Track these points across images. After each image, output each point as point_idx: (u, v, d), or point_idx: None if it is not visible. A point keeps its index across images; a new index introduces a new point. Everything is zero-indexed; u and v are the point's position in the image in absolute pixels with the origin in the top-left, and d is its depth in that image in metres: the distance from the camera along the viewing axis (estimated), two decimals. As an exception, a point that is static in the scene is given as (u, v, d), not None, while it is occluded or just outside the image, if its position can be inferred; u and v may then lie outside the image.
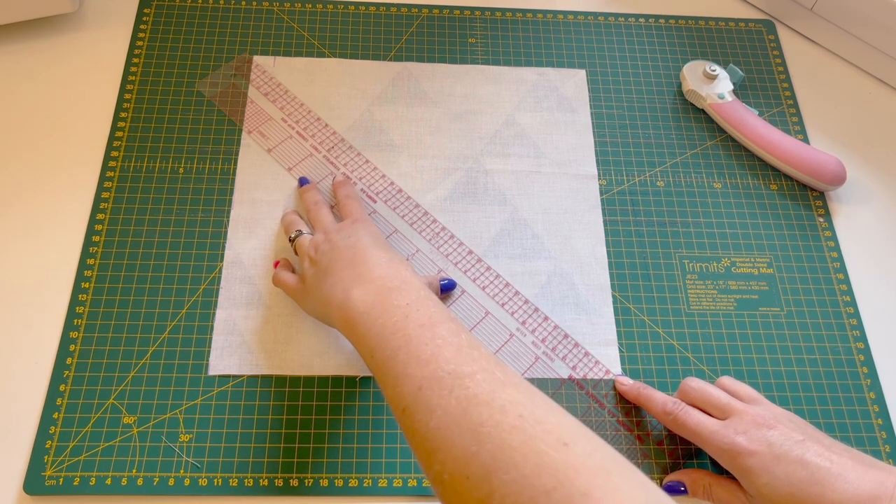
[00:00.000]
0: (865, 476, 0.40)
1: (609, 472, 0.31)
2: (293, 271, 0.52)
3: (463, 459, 0.33)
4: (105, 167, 0.58)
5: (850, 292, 0.56)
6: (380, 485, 0.47)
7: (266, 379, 0.50)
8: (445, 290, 0.53)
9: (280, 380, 0.50)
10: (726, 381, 0.48)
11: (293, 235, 0.52)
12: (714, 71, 0.63)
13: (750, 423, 0.44)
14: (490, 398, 0.34)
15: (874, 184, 0.62)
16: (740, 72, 0.64)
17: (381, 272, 0.43)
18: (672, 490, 0.47)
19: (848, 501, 0.40)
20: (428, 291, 0.42)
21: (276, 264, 0.53)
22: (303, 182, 0.57)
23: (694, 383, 0.47)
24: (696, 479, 0.47)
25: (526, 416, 0.33)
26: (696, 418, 0.45)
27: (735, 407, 0.45)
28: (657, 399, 0.48)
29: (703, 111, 0.64)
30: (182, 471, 0.47)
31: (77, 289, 0.53)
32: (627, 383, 0.51)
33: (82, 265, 0.53)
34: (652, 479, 0.48)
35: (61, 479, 0.46)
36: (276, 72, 0.63)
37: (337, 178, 0.57)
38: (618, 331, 0.54)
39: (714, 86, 0.63)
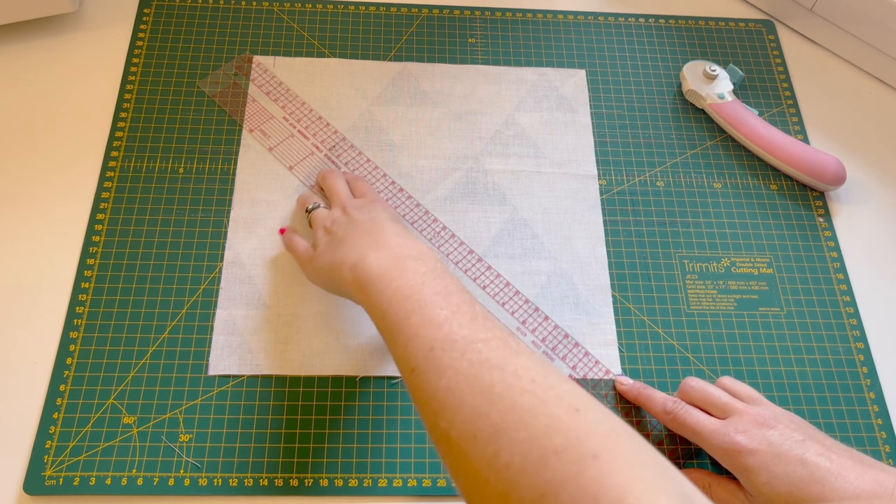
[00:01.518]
0: (865, 476, 0.40)
1: (620, 436, 0.31)
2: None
3: (471, 419, 0.33)
4: (105, 167, 0.58)
5: (850, 292, 0.56)
6: (380, 485, 0.47)
7: (266, 379, 0.50)
8: None
9: (280, 380, 0.50)
10: (727, 380, 0.48)
11: (311, 206, 0.52)
12: (714, 71, 0.63)
13: (750, 422, 0.44)
14: (503, 363, 0.34)
15: (874, 184, 0.62)
16: (740, 72, 0.64)
17: (399, 241, 0.43)
18: None
19: (847, 500, 0.40)
20: (444, 265, 0.42)
21: (281, 231, 0.53)
22: None
23: (694, 383, 0.48)
24: (696, 479, 0.47)
25: (539, 382, 0.33)
26: (695, 417, 0.46)
27: (735, 406, 0.45)
28: (657, 399, 0.48)
29: (703, 111, 0.64)
30: (182, 471, 0.47)
31: (77, 289, 0.53)
32: (627, 383, 0.51)
33: (82, 265, 0.53)
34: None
35: (61, 479, 0.46)
36: (276, 72, 0.63)
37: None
38: (618, 331, 0.54)
39: (714, 86, 0.63)
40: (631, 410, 0.51)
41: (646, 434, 0.50)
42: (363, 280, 0.41)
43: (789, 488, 0.41)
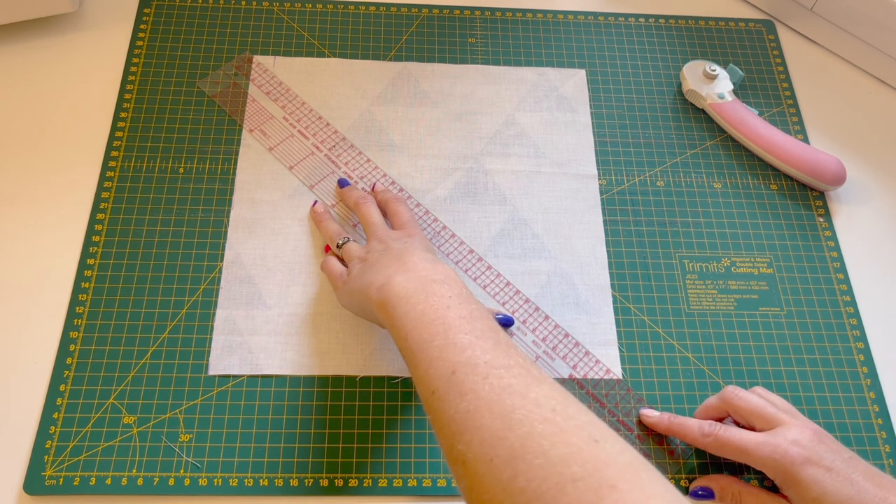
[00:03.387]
0: None
1: (638, 469, 0.31)
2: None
3: (489, 442, 0.33)
4: (105, 167, 0.58)
5: (850, 292, 0.56)
6: (380, 485, 0.47)
7: (266, 379, 0.50)
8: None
9: (280, 380, 0.50)
10: (761, 391, 0.48)
11: (341, 242, 0.52)
12: (714, 71, 0.63)
13: (800, 434, 0.43)
14: (525, 390, 0.35)
15: (874, 184, 0.62)
16: (740, 72, 0.64)
17: (426, 266, 0.43)
18: (702, 496, 0.47)
19: None
20: (470, 292, 0.43)
21: (326, 249, 0.54)
22: (343, 183, 0.57)
23: (740, 392, 0.47)
24: (725, 487, 0.47)
25: (559, 411, 0.33)
26: (738, 434, 0.45)
27: (781, 418, 0.45)
28: (691, 425, 0.47)
29: (703, 111, 0.64)
30: (182, 471, 0.47)
31: (77, 289, 0.53)
32: (654, 415, 0.50)
33: (82, 265, 0.53)
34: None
35: (61, 479, 0.46)
36: (276, 72, 0.63)
37: (379, 187, 0.57)
38: (618, 331, 0.54)
39: (714, 86, 0.63)
40: (631, 411, 0.51)
41: (646, 434, 0.50)
42: (389, 301, 0.41)
43: None
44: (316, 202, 0.56)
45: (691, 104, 0.64)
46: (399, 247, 0.48)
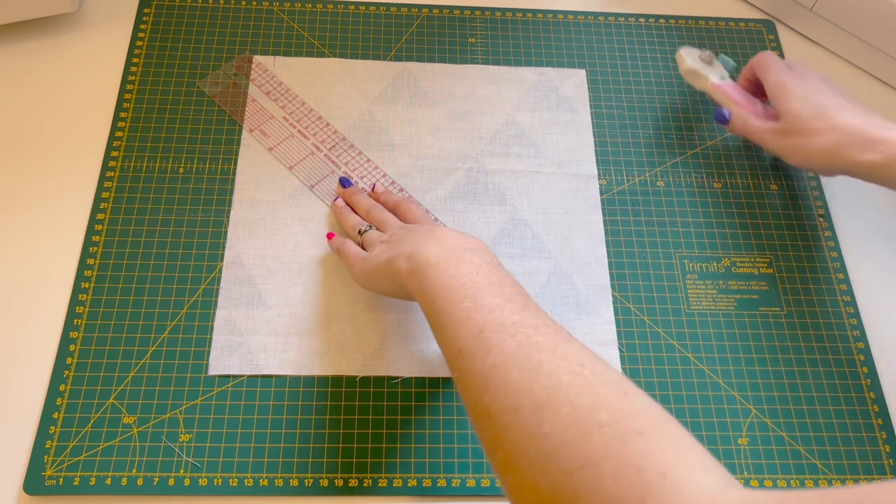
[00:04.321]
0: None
1: (668, 422, 0.31)
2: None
3: (516, 393, 0.33)
4: (105, 167, 0.58)
5: (850, 292, 0.56)
6: (380, 485, 0.47)
7: (266, 379, 0.50)
8: None
9: (280, 380, 0.50)
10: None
11: (363, 229, 0.52)
12: (708, 57, 0.62)
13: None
14: (553, 347, 0.35)
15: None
16: (732, 61, 0.63)
17: (457, 235, 0.44)
18: (720, 118, 0.57)
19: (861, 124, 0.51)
20: (499, 261, 0.43)
21: (329, 235, 0.54)
22: (345, 182, 0.57)
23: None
24: (736, 112, 0.56)
25: (587, 366, 0.34)
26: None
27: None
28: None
29: (702, 111, 0.64)
30: (182, 471, 0.47)
31: (77, 289, 0.53)
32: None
33: (82, 265, 0.53)
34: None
35: (61, 479, 0.46)
36: (276, 72, 0.63)
37: (379, 188, 0.57)
38: (618, 331, 0.54)
39: (711, 71, 0.62)
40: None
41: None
42: (419, 267, 0.41)
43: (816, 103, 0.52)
44: (337, 198, 0.57)
45: (691, 104, 0.64)
46: (423, 228, 0.48)
